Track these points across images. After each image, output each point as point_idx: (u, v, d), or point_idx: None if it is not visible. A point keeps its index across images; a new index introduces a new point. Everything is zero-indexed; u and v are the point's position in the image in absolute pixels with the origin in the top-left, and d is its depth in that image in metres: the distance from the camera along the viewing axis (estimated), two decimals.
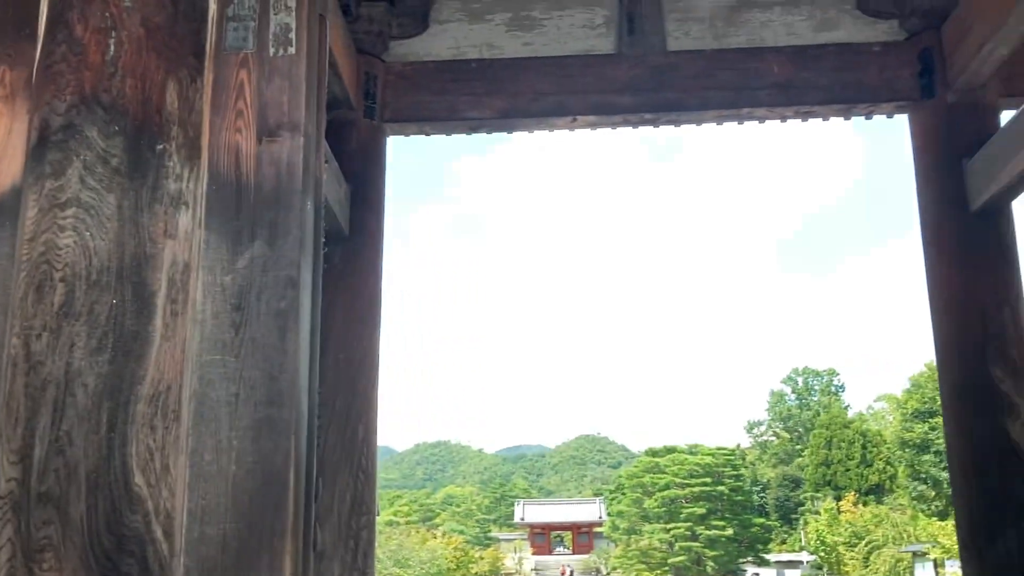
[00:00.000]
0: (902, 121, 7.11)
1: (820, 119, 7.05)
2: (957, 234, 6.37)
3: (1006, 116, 6.37)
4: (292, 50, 3.61)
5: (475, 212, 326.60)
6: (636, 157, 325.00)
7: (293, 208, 3.51)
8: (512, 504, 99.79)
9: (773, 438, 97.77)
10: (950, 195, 6.39)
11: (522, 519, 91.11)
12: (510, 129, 7.37)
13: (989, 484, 5.97)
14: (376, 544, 7.04)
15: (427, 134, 7.30)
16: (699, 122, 7.23)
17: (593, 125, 7.16)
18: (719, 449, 77.03)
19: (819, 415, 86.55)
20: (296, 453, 3.39)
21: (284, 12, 3.61)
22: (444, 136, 7.40)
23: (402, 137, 7.29)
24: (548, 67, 6.92)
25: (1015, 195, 6.22)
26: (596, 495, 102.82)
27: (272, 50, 3.61)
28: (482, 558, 67.22)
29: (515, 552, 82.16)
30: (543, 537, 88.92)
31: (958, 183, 6.35)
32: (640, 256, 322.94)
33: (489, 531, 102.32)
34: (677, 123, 7.26)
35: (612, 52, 6.94)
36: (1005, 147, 5.94)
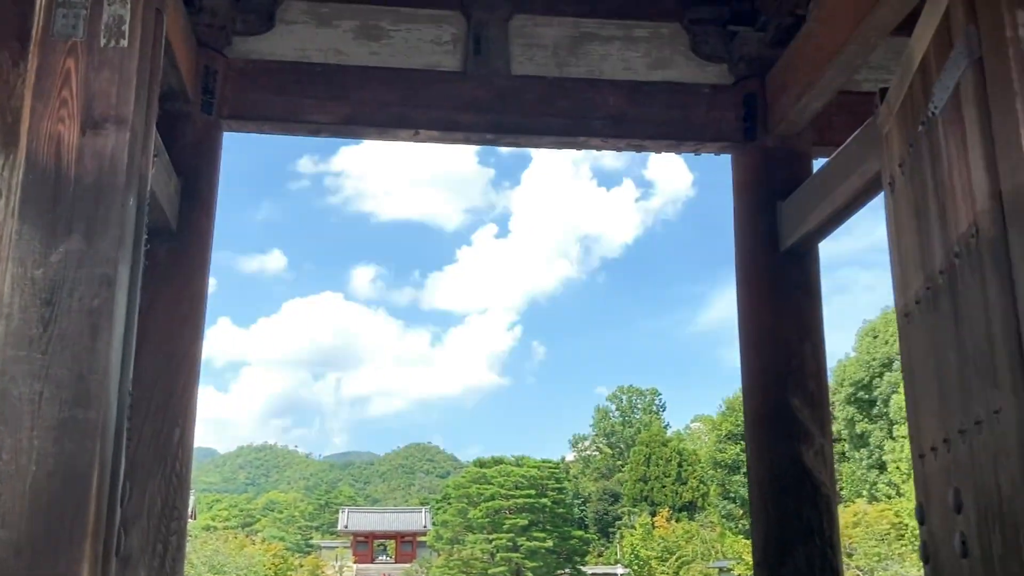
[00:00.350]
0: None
1: (652, 152, 7.36)
2: (767, 271, 6.74)
3: (818, 164, 6.82)
4: (124, 43, 3.51)
5: (318, 212, 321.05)
6: (481, 173, 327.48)
7: (114, 204, 3.42)
8: (337, 511, 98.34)
9: (596, 453, 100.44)
10: (763, 234, 6.76)
11: (346, 527, 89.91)
12: (352, 136, 7.36)
13: (783, 506, 6.34)
14: (188, 550, 6.83)
15: (266, 133, 7.19)
16: (538, 145, 7.44)
17: (436, 140, 7.22)
18: (544, 462, 78.48)
19: (640, 432, 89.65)
20: (101, 455, 3.30)
21: (118, 3, 3.51)
22: (289, 136, 7.34)
23: (243, 134, 7.18)
24: (394, 78, 6.93)
25: (822, 237, 6.66)
26: (423, 504, 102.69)
27: (103, 41, 3.51)
28: (302, 566, 66.01)
29: (336, 560, 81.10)
30: (366, 545, 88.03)
31: (771, 223, 6.74)
32: (475, 266, 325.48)
33: (311, 538, 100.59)
34: (517, 145, 7.45)
35: (458, 70, 7.02)
36: (814, 193, 6.37)
